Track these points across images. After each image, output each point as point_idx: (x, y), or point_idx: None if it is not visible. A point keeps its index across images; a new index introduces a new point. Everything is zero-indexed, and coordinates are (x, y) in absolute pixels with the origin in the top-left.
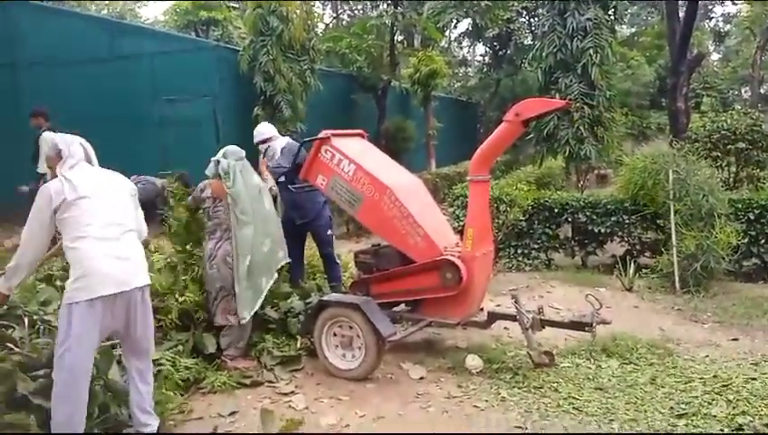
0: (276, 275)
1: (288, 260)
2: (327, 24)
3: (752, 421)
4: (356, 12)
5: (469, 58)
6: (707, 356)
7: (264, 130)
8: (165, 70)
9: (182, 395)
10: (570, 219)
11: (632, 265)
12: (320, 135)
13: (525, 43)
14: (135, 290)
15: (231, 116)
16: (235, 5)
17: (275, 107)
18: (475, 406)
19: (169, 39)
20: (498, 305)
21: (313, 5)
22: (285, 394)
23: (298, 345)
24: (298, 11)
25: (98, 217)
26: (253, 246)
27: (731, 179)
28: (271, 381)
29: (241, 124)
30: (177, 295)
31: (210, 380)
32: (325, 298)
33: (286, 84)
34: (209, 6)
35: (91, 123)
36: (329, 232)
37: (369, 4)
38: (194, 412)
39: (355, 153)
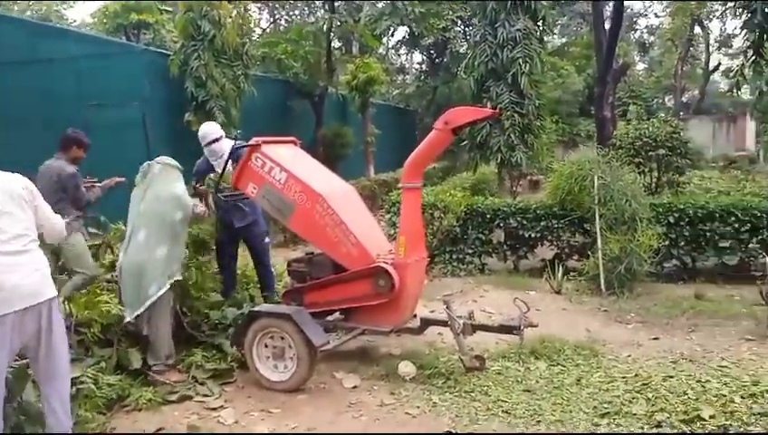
0: (168, 286)
1: (179, 277)
2: (264, 29)
3: (669, 418)
4: (293, 17)
5: (407, 66)
6: (630, 356)
7: (214, 129)
8: (90, 73)
9: (104, 414)
10: (502, 225)
11: (560, 268)
12: (250, 142)
13: (461, 51)
14: (43, 303)
15: (161, 121)
16: (168, 9)
17: (208, 113)
18: (407, 413)
19: (95, 42)
20: (432, 311)
21: (249, 10)
22: (214, 409)
23: (229, 358)
24: (232, 15)
25: None
26: (135, 246)
27: (653, 185)
28: (205, 395)
29: (172, 130)
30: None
31: (135, 396)
32: (256, 309)
33: (219, 90)
34: (140, 9)
35: (12, 128)
36: (266, 240)
37: (306, 9)
38: (117, 431)
39: (286, 160)
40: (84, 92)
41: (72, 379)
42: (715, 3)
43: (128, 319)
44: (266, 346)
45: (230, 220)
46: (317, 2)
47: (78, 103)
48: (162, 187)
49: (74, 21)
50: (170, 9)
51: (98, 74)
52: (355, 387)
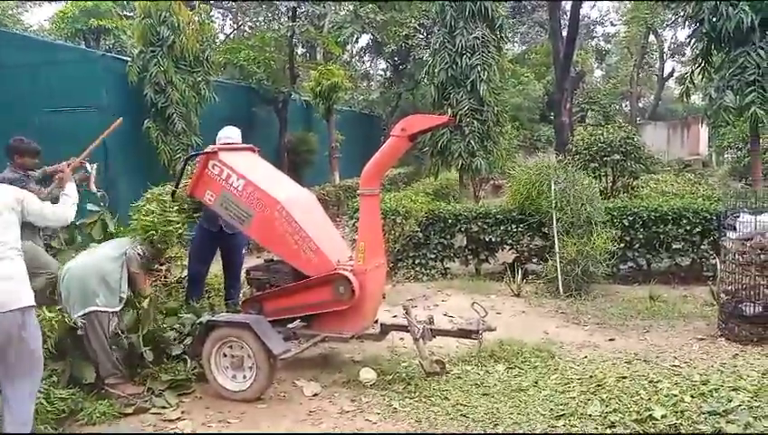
0: (118, 308)
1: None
2: (228, 35)
3: (622, 418)
4: (258, 24)
5: (371, 72)
6: (586, 357)
7: (236, 135)
8: (45, 80)
9: (56, 429)
10: (463, 229)
11: (520, 271)
12: (206, 149)
13: (424, 58)
14: (17, 311)
15: (120, 129)
16: (128, 14)
17: (168, 119)
18: (367, 419)
19: (50, 48)
20: (395, 317)
21: (211, 15)
22: (171, 421)
23: (187, 368)
24: (193, 21)
25: None
26: (90, 255)
27: (608, 189)
28: (162, 407)
29: (130, 137)
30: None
31: (88, 410)
32: (214, 318)
33: (179, 96)
34: (99, 15)
35: None
36: (244, 250)
37: (269, 15)
38: None
39: (244, 168)
40: (39, 99)
41: None
42: (667, 12)
43: (76, 315)
44: (225, 356)
45: (217, 227)
46: (281, 8)
47: (32, 110)
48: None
49: (31, 26)
50: (131, 14)
51: (53, 81)
52: (315, 395)
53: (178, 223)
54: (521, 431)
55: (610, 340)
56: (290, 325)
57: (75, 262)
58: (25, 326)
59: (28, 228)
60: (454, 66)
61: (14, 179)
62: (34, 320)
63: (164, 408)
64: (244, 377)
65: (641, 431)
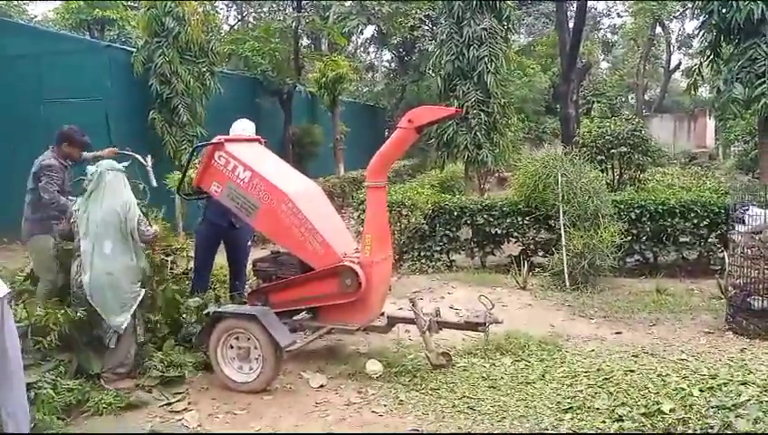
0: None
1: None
2: (232, 26)
3: (630, 412)
4: (262, 15)
5: (376, 64)
6: (593, 350)
7: (251, 128)
8: (50, 70)
9: (63, 419)
10: (469, 222)
11: (526, 264)
12: (213, 140)
13: (429, 49)
14: None
15: (125, 119)
16: (133, 5)
17: (173, 111)
18: (373, 412)
19: (55, 38)
20: (400, 309)
21: (216, 6)
22: (177, 412)
23: (189, 359)
24: (198, 12)
25: None
26: (103, 259)
27: (615, 181)
28: (168, 398)
29: (136, 128)
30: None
31: (95, 401)
32: (220, 310)
33: (184, 87)
34: (103, 5)
35: None
36: (249, 243)
37: (274, 6)
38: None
39: (251, 159)
40: (44, 90)
41: (29, 383)
42: (675, 3)
43: (124, 326)
44: (231, 347)
45: (227, 221)
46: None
47: (36, 100)
48: (117, 196)
49: (36, 16)
50: (136, 5)
51: (58, 71)
52: (322, 386)
53: None
54: (528, 425)
55: (617, 333)
56: (296, 317)
57: (95, 272)
58: (3, 317)
59: (44, 223)
60: (460, 57)
61: (47, 166)
62: (9, 308)
63: (166, 400)
64: (251, 368)
65: (649, 425)
